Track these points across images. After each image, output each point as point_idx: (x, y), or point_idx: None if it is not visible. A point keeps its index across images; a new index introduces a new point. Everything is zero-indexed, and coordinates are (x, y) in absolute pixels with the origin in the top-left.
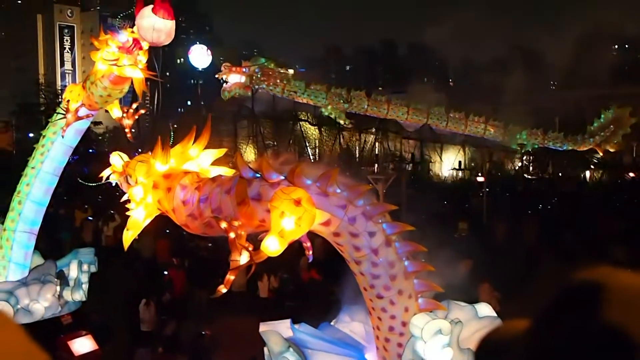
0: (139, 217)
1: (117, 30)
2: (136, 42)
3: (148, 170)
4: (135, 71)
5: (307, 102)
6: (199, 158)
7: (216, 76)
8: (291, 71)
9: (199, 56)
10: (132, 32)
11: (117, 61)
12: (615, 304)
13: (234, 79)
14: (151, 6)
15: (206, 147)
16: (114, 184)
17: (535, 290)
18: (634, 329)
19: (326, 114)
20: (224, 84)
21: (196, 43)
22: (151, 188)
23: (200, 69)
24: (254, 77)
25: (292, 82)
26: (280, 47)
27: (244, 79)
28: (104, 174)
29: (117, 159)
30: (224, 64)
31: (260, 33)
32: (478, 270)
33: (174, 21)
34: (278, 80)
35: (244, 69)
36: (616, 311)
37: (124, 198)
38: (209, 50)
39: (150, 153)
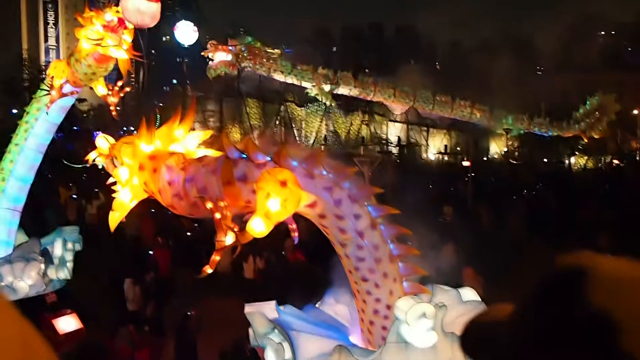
0: (125, 198)
1: (102, 6)
2: (121, 21)
3: (134, 152)
4: (120, 52)
5: (293, 83)
6: (185, 140)
7: (202, 54)
8: (277, 51)
9: (185, 32)
10: (117, 11)
11: (102, 41)
12: (598, 289)
13: (220, 57)
14: None
15: (192, 128)
16: (100, 167)
17: (519, 275)
18: (617, 314)
19: (312, 94)
20: (210, 62)
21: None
22: (137, 169)
23: (186, 46)
24: (241, 56)
25: (279, 62)
26: (267, 27)
27: (230, 57)
28: (90, 156)
29: (102, 141)
30: (210, 42)
31: (246, 13)
32: (461, 254)
33: (159, 3)
34: (264, 60)
35: (230, 47)
36: (599, 296)
37: (110, 180)
38: (195, 27)
39: (135, 134)
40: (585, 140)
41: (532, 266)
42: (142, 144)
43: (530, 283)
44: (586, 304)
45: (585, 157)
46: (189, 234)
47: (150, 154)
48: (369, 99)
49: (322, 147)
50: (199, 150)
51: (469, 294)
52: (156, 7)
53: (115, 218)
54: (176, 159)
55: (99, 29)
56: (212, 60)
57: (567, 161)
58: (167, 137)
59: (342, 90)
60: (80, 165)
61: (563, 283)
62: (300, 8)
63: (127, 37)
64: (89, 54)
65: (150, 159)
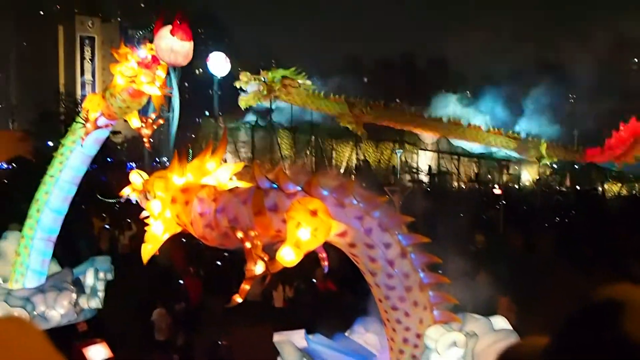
0: (158, 231)
1: (137, 42)
2: (155, 58)
3: (166, 185)
4: (153, 88)
5: (325, 113)
6: (217, 172)
7: (234, 85)
8: (309, 82)
9: (218, 63)
10: (151, 48)
11: (136, 77)
12: (634, 321)
13: (252, 88)
14: (169, 27)
15: (224, 159)
16: (134, 202)
17: (551, 303)
18: None
19: (343, 125)
20: (242, 94)
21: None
22: (169, 202)
23: (219, 77)
24: (272, 87)
25: (311, 93)
26: (299, 59)
27: (262, 88)
28: (124, 192)
29: (136, 176)
30: (242, 73)
31: (279, 45)
32: (494, 283)
33: (192, 42)
34: (296, 91)
35: (262, 79)
36: (635, 328)
37: (143, 214)
38: (227, 58)
39: (167, 167)
40: (619, 167)
41: (564, 294)
42: (174, 176)
43: (565, 313)
44: (622, 336)
45: (620, 184)
46: (219, 263)
47: (182, 187)
48: (399, 127)
49: (353, 176)
50: (231, 183)
51: (501, 322)
52: (189, 47)
53: (148, 250)
54: (208, 191)
55: (133, 66)
56: (245, 91)
57: (600, 188)
58: (199, 170)
59: (373, 119)
60: (114, 200)
61: (600, 314)
62: (332, 39)
63: (161, 73)
64: (123, 89)
65: (182, 192)
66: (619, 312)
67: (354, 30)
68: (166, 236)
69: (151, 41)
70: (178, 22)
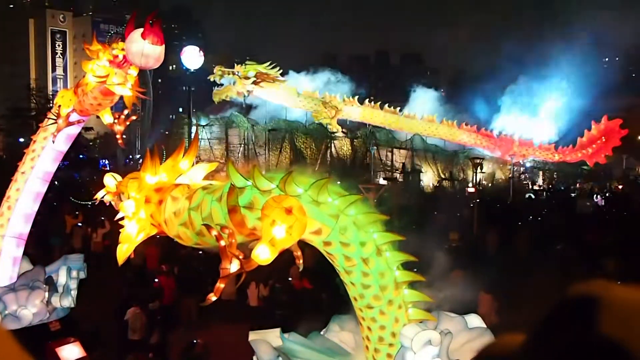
0: (132, 231)
1: (110, 38)
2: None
3: (139, 186)
4: (124, 90)
5: (299, 108)
6: (190, 172)
7: (209, 78)
8: (284, 78)
9: (192, 57)
10: (123, 48)
11: (107, 77)
12: (609, 318)
13: (226, 82)
14: (141, 30)
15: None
16: (108, 204)
17: (527, 302)
18: (627, 343)
19: (317, 120)
20: (216, 88)
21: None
22: (143, 203)
23: (192, 70)
24: (247, 81)
25: (285, 88)
26: (273, 54)
27: (235, 83)
28: (98, 195)
29: (110, 179)
30: (217, 67)
31: (253, 40)
32: (469, 280)
33: (163, 45)
34: (270, 86)
35: (237, 72)
36: (610, 325)
37: (118, 216)
38: (201, 51)
39: (141, 165)
40: (591, 166)
41: (541, 293)
42: (147, 176)
43: (539, 311)
44: (597, 333)
45: (591, 183)
46: (193, 262)
47: (155, 187)
48: (374, 124)
49: (328, 174)
50: (205, 183)
51: (475, 320)
52: (160, 50)
53: (122, 251)
54: (181, 190)
55: (105, 64)
56: (219, 85)
57: (572, 186)
58: (173, 169)
59: (347, 115)
60: (89, 202)
61: (575, 312)
62: (306, 36)
63: (133, 72)
64: (95, 88)
65: (155, 192)
66: (594, 309)
67: (330, 26)
68: (141, 237)
69: (123, 39)
70: (149, 25)
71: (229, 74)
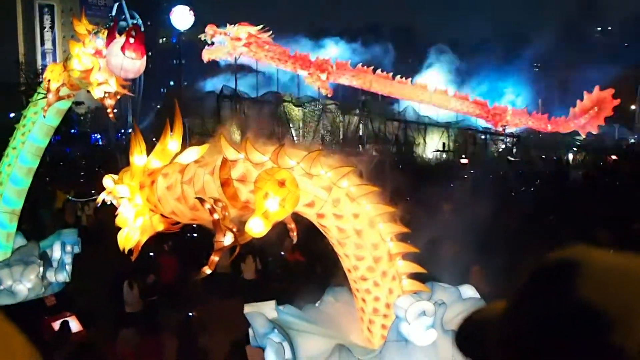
0: (128, 215)
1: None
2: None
3: (132, 173)
4: (108, 87)
5: (291, 71)
6: (182, 156)
7: (199, 37)
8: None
9: (181, 16)
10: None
11: (91, 72)
12: (588, 282)
13: (217, 41)
14: (120, 43)
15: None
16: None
17: (516, 271)
18: (606, 308)
19: (309, 84)
20: (206, 47)
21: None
22: (138, 189)
23: (182, 30)
24: (239, 41)
25: (277, 48)
26: (265, 18)
27: (227, 42)
28: (100, 198)
29: (109, 180)
30: (208, 26)
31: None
32: (462, 251)
33: (144, 58)
34: (263, 46)
35: (228, 32)
36: (589, 289)
37: (117, 213)
38: (191, 11)
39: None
40: (583, 136)
41: (528, 262)
42: (135, 157)
43: (522, 278)
44: (576, 298)
45: (584, 153)
46: (187, 235)
47: (147, 171)
48: (366, 88)
49: (320, 146)
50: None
51: (469, 291)
52: (140, 64)
53: (124, 236)
54: (172, 166)
55: (90, 52)
56: (210, 44)
57: (564, 157)
58: (163, 153)
59: (340, 80)
60: (87, 200)
61: (553, 276)
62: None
63: None
64: (80, 74)
65: (148, 175)
66: (573, 273)
67: None
68: (140, 221)
69: (109, 31)
70: (129, 40)
71: (220, 34)
